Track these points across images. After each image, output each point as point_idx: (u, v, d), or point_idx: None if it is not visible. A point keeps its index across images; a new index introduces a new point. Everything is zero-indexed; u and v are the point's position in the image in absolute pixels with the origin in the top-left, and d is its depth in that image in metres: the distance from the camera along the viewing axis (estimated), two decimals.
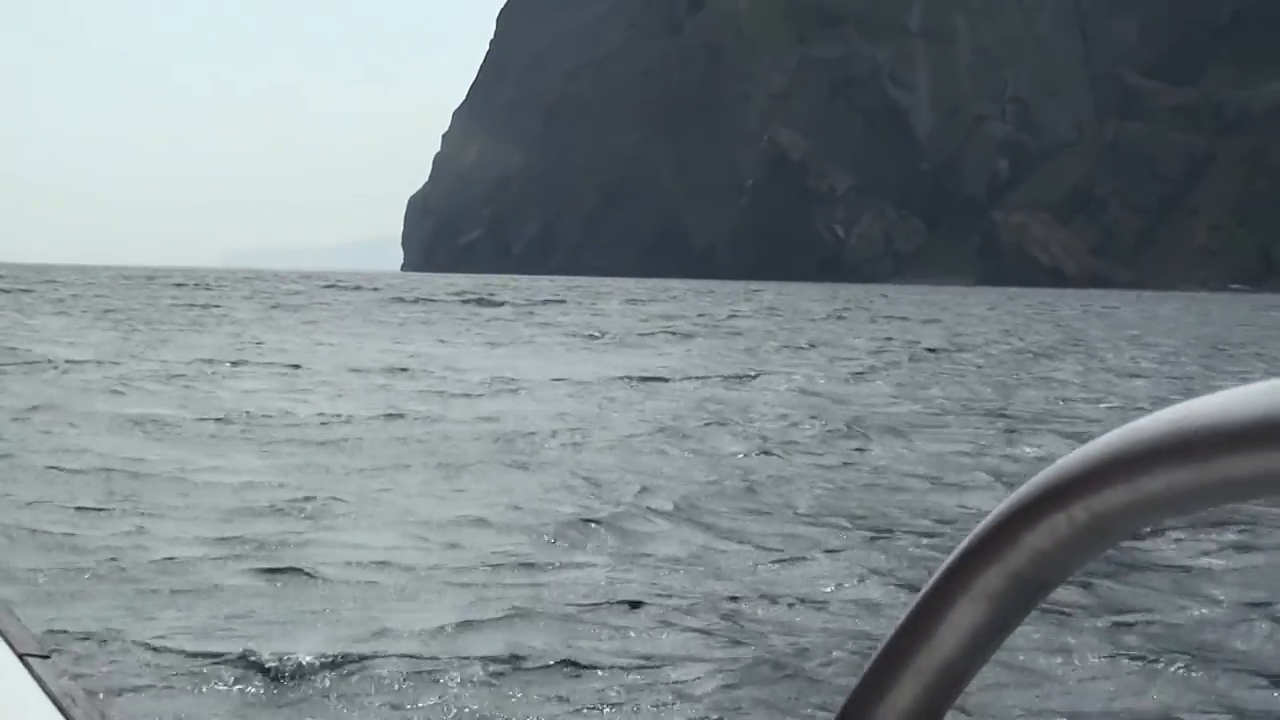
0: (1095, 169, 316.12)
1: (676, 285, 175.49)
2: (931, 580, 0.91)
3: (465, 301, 78.12)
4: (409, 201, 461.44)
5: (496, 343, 38.00)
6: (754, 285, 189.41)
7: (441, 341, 38.16)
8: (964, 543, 0.91)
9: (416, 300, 76.86)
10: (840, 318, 68.11)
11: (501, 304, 74.95)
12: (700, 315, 65.79)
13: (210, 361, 27.78)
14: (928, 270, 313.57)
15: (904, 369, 31.84)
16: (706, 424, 19.09)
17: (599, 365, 30.14)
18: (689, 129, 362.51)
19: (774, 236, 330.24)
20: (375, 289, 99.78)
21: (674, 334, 45.47)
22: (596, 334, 43.80)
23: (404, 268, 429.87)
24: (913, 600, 0.92)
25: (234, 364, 27.53)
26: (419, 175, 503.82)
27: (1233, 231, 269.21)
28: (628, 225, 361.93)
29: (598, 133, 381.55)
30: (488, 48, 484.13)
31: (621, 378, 26.40)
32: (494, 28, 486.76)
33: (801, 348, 39.29)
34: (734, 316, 65.26)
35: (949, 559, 0.90)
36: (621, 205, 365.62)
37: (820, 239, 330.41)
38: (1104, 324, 65.29)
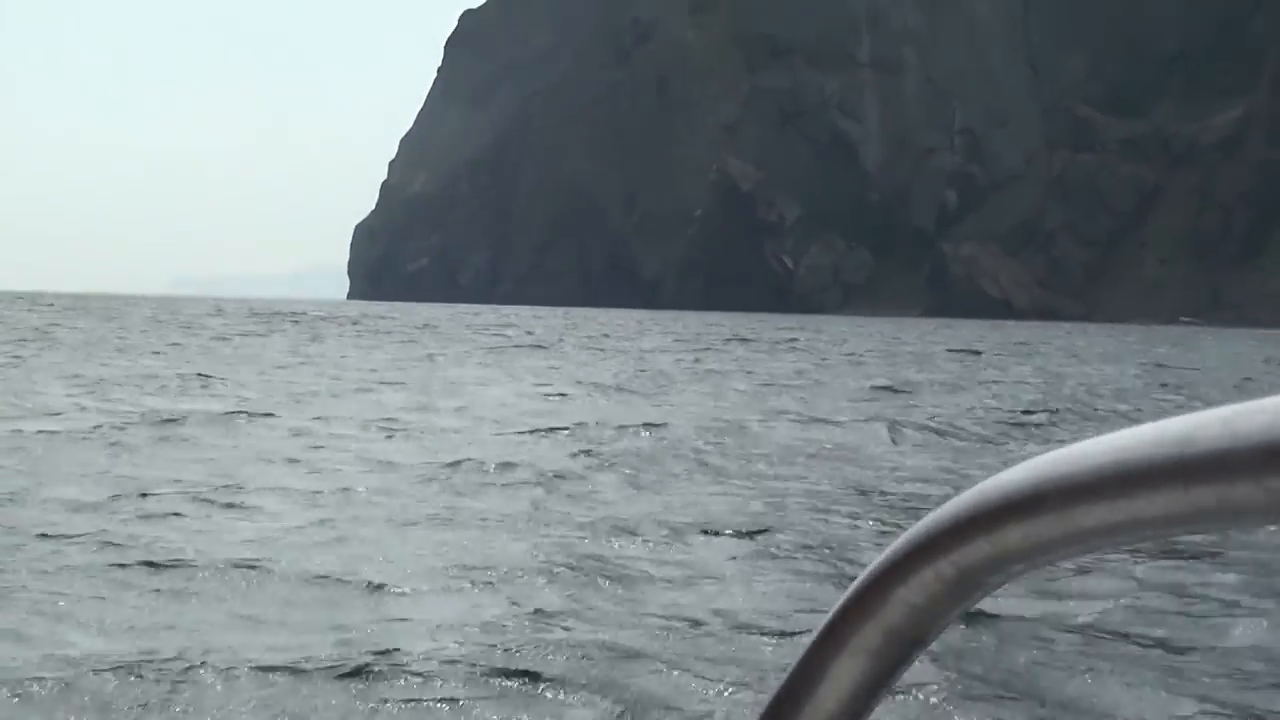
0: (1044, 201, 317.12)
1: (637, 315, 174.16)
2: (812, 638, 0.93)
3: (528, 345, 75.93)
4: (355, 229, 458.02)
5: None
6: (707, 316, 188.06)
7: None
8: (841, 599, 0.94)
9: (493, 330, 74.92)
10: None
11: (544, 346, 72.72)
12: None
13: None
14: (876, 301, 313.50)
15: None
16: None
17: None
18: (638, 159, 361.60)
19: (723, 267, 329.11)
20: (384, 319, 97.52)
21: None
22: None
23: (350, 296, 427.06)
24: (794, 658, 0.94)
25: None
26: (365, 203, 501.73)
27: (1182, 264, 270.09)
28: (576, 255, 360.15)
29: (546, 162, 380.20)
30: (435, 75, 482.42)
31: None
32: (441, 55, 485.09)
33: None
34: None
35: (827, 616, 0.92)
36: (570, 235, 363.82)
37: (769, 269, 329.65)
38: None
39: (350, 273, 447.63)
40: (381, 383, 34.83)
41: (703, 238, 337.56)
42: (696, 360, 54.19)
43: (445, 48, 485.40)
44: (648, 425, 24.18)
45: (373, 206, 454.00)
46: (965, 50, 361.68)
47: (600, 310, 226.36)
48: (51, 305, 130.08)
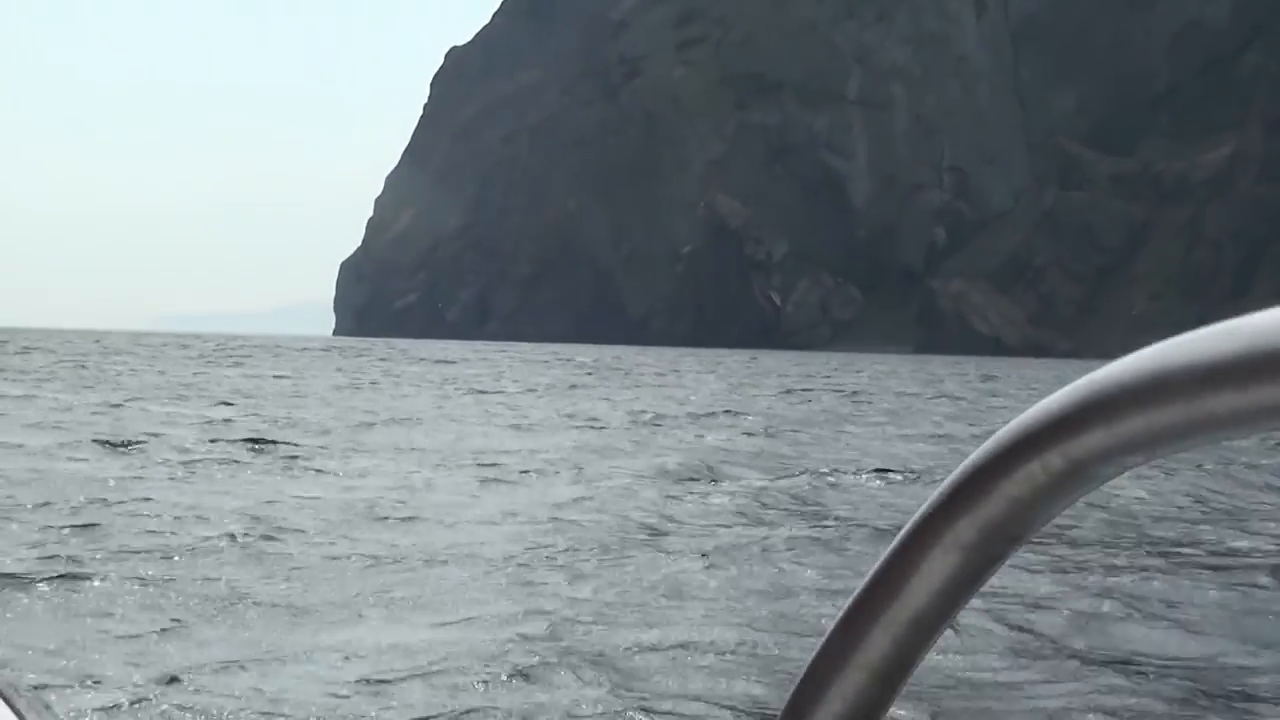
0: (1033, 237, 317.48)
1: (619, 350, 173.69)
2: (903, 531, 0.90)
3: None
4: (341, 265, 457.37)
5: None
6: (695, 352, 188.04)
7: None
8: (936, 493, 0.90)
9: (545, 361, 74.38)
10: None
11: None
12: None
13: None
14: (865, 338, 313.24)
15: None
16: None
17: None
18: (625, 196, 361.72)
19: (711, 304, 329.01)
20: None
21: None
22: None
23: (336, 332, 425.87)
24: (883, 550, 0.91)
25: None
26: (349, 238, 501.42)
27: (1171, 301, 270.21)
28: (564, 292, 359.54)
29: (533, 199, 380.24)
30: (421, 112, 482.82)
31: None
32: (428, 92, 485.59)
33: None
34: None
35: (921, 509, 0.90)
36: (557, 272, 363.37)
37: (757, 306, 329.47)
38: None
39: (337, 309, 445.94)
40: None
41: (691, 275, 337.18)
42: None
43: (431, 84, 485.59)
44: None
45: (358, 243, 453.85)
46: (953, 87, 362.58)
47: (588, 346, 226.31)
48: (98, 343, 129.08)
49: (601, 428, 34.58)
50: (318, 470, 22.15)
